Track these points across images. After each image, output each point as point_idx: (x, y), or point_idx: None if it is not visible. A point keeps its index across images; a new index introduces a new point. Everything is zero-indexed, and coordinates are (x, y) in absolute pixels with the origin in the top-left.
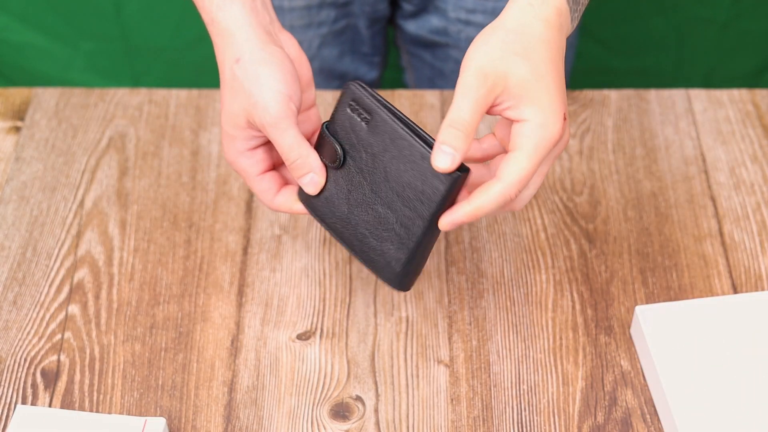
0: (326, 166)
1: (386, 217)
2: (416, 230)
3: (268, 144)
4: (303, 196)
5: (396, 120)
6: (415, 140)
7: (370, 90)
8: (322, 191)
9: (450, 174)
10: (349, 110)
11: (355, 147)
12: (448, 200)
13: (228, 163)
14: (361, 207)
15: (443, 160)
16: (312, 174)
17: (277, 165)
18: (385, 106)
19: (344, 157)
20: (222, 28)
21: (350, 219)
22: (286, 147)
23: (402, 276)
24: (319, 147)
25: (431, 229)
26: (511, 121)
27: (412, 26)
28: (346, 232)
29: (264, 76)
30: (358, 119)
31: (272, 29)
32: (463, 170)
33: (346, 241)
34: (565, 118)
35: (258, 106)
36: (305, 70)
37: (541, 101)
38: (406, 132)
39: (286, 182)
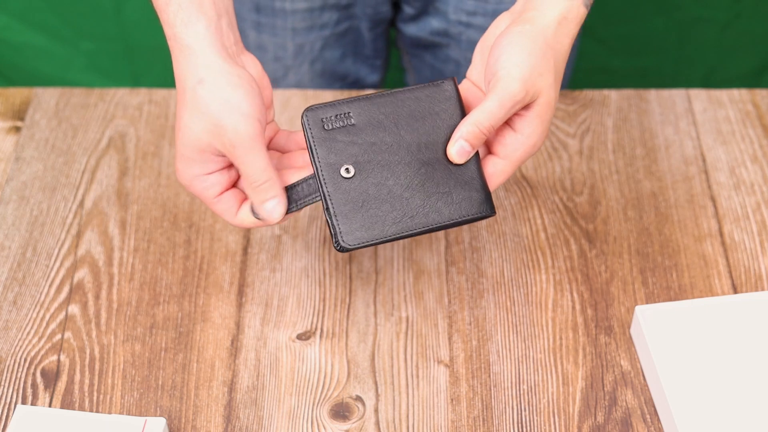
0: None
1: (435, 168)
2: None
3: (223, 168)
4: (347, 240)
5: (379, 96)
6: (411, 90)
7: (320, 104)
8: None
9: (448, 84)
10: (324, 131)
11: (358, 149)
12: (462, 106)
13: (182, 185)
14: (407, 188)
15: (459, 156)
16: (278, 199)
17: (235, 183)
18: (350, 100)
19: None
20: (184, 45)
21: (408, 205)
22: (256, 169)
23: (488, 198)
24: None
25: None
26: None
27: (412, 29)
28: (412, 221)
29: (231, 99)
30: (342, 125)
31: (236, 50)
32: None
33: (419, 227)
34: None
35: (228, 128)
36: (267, 91)
37: (544, 124)
38: (399, 91)
39: (245, 198)
